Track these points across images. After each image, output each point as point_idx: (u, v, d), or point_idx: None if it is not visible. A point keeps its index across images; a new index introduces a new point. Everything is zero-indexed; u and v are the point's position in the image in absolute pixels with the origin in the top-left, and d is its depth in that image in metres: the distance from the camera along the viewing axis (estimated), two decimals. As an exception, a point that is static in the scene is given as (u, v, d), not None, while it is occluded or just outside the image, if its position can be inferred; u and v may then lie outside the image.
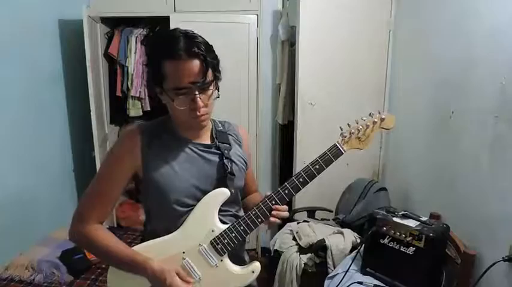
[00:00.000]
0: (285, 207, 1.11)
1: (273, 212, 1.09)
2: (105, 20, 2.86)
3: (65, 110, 2.84)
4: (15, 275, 2.04)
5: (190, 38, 1.01)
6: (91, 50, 2.59)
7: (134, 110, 2.95)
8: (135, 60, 2.84)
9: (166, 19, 2.66)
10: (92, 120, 2.65)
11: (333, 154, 1.10)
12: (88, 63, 2.58)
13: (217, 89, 1.08)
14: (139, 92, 2.88)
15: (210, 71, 1.03)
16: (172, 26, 2.60)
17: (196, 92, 1.01)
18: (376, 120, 1.13)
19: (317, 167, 1.09)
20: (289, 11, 2.82)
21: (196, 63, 0.99)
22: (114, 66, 2.93)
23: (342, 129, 1.13)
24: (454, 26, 1.86)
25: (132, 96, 2.90)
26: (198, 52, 0.99)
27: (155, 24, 2.90)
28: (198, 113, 1.04)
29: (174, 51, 0.98)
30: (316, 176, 1.10)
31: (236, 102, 2.83)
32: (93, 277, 2.11)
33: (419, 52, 2.24)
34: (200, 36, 1.04)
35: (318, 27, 2.52)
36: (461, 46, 1.80)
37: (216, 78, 1.07)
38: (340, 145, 1.11)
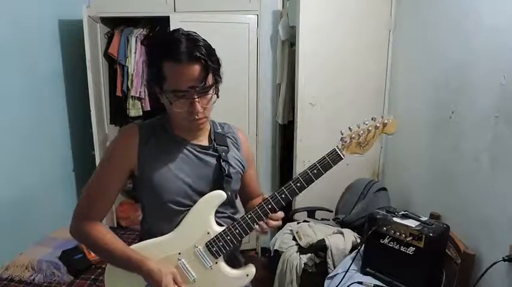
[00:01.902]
0: (279, 215, 1.10)
1: (270, 222, 1.09)
2: (105, 20, 2.86)
3: (65, 110, 2.84)
4: (15, 275, 2.04)
5: (193, 41, 1.00)
6: (91, 50, 2.58)
7: (134, 110, 2.95)
8: (135, 60, 2.84)
9: (166, 19, 2.66)
10: (92, 120, 2.65)
11: (332, 159, 1.07)
12: (88, 63, 2.57)
13: (217, 93, 1.07)
14: (139, 92, 2.88)
15: (210, 76, 1.02)
16: (172, 26, 2.60)
17: (196, 96, 1.01)
18: (378, 125, 1.10)
19: (315, 171, 1.07)
20: (289, 11, 2.82)
21: (197, 68, 0.98)
22: (114, 66, 2.93)
23: (342, 134, 1.09)
24: (454, 26, 1.86)
25: (132, 96, 2.90)
26: (200, 56, 0.98)
27: (155, 24, 2.90)
28: (196, 117, 1.04)
29: (175, 53, 0.97)
30: (314, 181, 1.08)
31: (236, 102, 2.82)
32: (93, 277, 2.10)
33: (419, 52, 2.24)
34: (202, 39, 1.03)
35: (318, 27, 2.52)
36: (461, 46, 1.80)
37: (217, 82, 1.06)
38: (339, 150, 1.08)
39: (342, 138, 1.09)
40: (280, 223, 1.11)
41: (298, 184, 1.08)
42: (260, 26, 2.76)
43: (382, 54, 2.61)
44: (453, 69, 1.85)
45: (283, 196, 1.08)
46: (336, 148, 1.09)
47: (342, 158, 1.08)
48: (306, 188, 1.09)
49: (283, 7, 3.01)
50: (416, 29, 2.29)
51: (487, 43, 1.61)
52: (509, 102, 1.47)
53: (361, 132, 1.09)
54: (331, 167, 1.08)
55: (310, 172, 1.07)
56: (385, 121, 1.11)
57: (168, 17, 2.65)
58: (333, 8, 2.52)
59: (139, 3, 2.72)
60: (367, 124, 1.10)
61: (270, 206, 1.08)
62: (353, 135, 1.09)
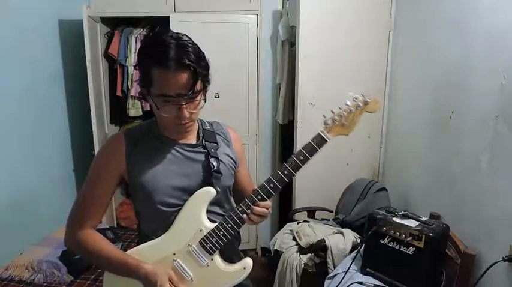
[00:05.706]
0: (265, 204, 1.09)
1: (255, 208, 1.08)
2: (105, 20, 2.86)
3: (65, 110, 2.84)
4: (15, 275, 2.04)
5: (182, 47, 0.98)
6: (91, 50, 2.58)
7: (134, 110, 2.95)
8: (135, 60, 2.84)
9: (166, 19, 2.66)
10: (92, 120, 2.66)
11: (317, 143, 1.07)
12: (88, 63, 2.58)
13: (205, 98, 1.07)
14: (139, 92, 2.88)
15: (198, 82, 1.01)
16: (172, 26, 2.60)
17: (183, 103, 1.01)
18: (360, 104, 1.10)
19: (301, 157, 1.07)
20: (289, 11, 2.82)
21: (185, 75, 0.97)
22: (114, 66, 2.93)
23: (325, 117, 1.10)
24: (454, 26, 1.86)
25: (132, 96, 2.90)
26: (189, 64, 0.97)
27: (155, 24, 2.90)
28: (183, 122, 1.04)
29: (163, 60, 0.96)
30: (301, 167, 1.08)
31: (236, 102, 2.82)
32: (93, 277, 2.10)
33: (419, 52, 2.24)
34: (192, 45, 1.01)
35: (318, 27, 2.52)
36: (461, 46, 1.80)
37: (205, 87, 1.06)
38: (324, 133, 1.08)
39: (324, 121, 1.10)
40: (266, 210, 1.09)
41: (286, 172, 1.08)
42: (260, 26, 2.76)
43: (382, 54, 2.61)
44: (453, 70, 1.85)
45: (271, 185, 1.08)
46: (319, 132, 1.09)
47: (327, 141, 1.08)
48: (294, 175, 1.09)
49: (283, 7, 3.01)
50: (416, 29, 2.29)
51: (486, 43, 1.61)
52: (509, 102, 1.47)
53: (344, 113, 1.09)
54: (317, 151, 1.08)
55: (297, 158, 1.08)
56: (367, 100, 1.11)
57: (168, 17, 2.65)
58: (333, 8, 2.52)
59: (139, 3, 2.72)
60: (348, 105, 1.10)
61: (259, 197, 1.08)
62: (335, 118, 1.10)
